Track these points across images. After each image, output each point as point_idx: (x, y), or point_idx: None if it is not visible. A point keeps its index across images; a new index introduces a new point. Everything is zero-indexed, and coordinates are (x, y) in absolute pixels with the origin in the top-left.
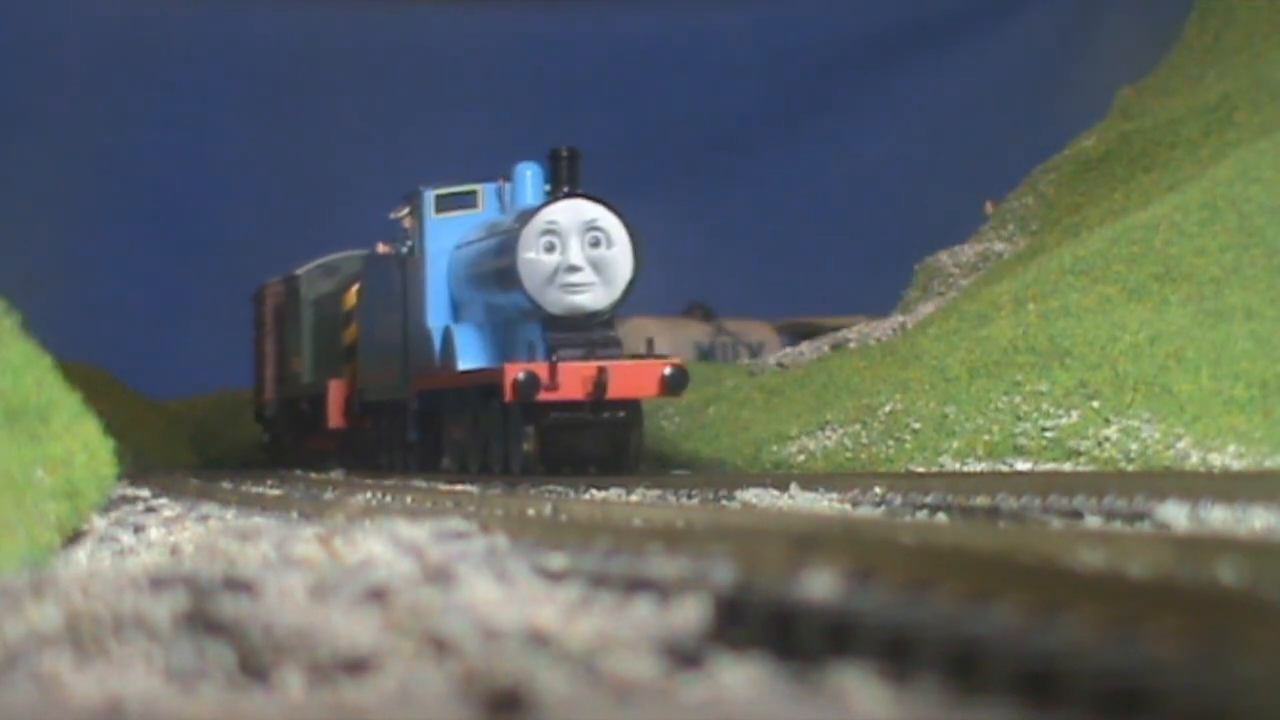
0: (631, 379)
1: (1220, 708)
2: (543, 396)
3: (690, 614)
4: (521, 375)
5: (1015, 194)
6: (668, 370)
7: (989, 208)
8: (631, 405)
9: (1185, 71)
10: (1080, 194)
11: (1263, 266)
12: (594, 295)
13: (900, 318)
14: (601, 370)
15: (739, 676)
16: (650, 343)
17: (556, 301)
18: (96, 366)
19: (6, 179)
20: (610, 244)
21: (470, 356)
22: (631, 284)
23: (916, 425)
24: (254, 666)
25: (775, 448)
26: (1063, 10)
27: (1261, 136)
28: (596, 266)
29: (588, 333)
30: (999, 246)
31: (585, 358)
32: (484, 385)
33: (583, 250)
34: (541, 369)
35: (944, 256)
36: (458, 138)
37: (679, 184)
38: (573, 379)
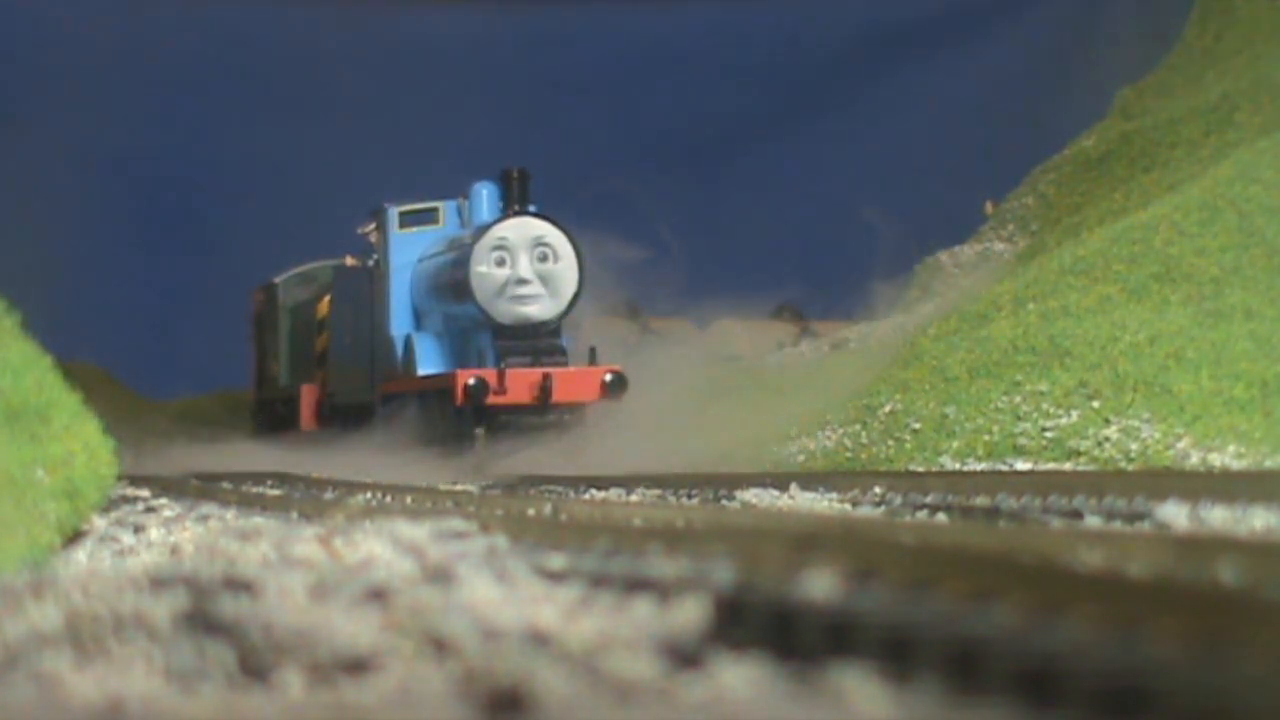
0: (574, 384)
1: (1220, 708)
2: (491, 400)
3: (690, 614)
4: (472, 381)
5: (1015, 194)
6: (608, 376)
7: (989, 208)
8: (576, 409)
9: (1185, 71)
10: (1080, 194)
11: (1263, 266)
12: (541, 306)
13: (900, 318)
14: (546, 376)
15: (739, 676)
16: (593, 351)
17: (506, 312)
18: (96, 366)
19: (5, 179)
20: (557, 258)
21: (429, 363)
22: (576, 296)
23: (916, 425)
24: (254, 666)
25: (775, 448)
26: (1063, 10)
27: (1261, 136)
28: (544, 280)
29: (534, 341)
30: (999, 246)
31: (531, 364)
32: (440, 389)
33: (531, 264)
34: (490, 375)
35: (944, 256)
36: (459, 137)
37: (676, 183)
38: (519, 384)
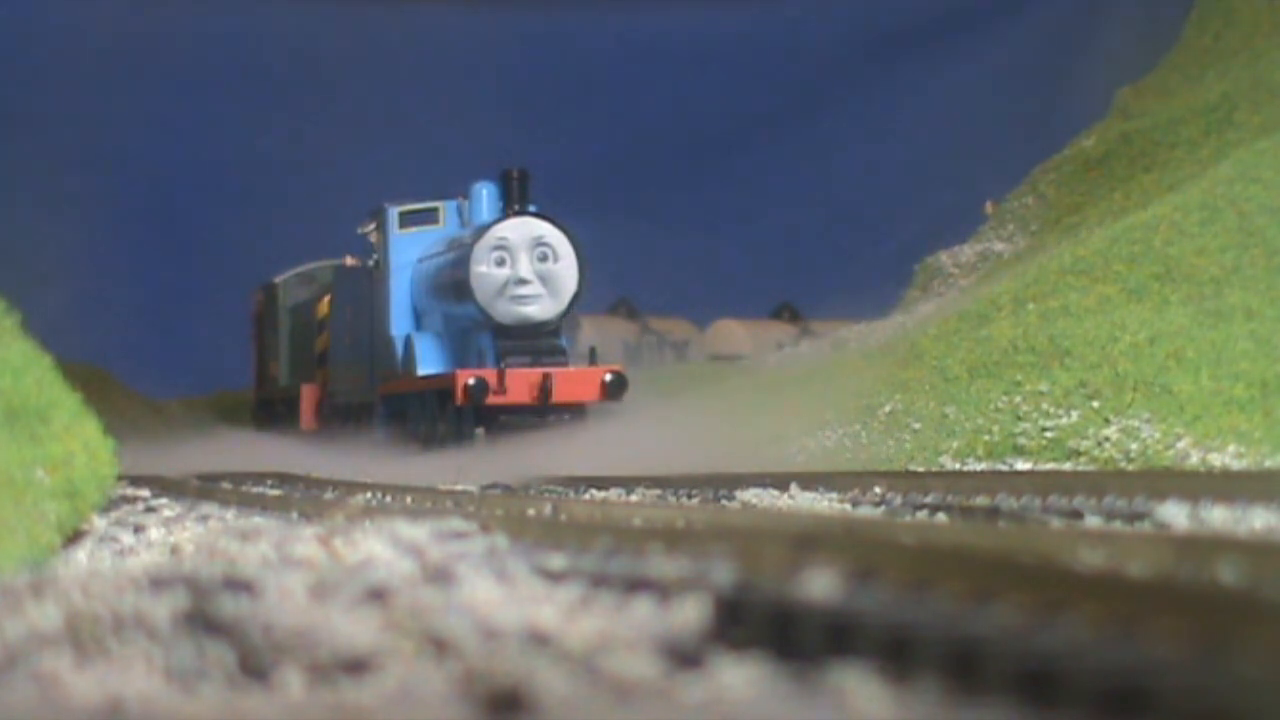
0: (575, 384)
1: (1220, 708)
2: (492, 400)
3: (690, 614)
4: (471, 381)
5: (1015, 194)
6: (608, 376)
7: (989, 208)
8: (576, 409)
9: (1185, 71)
10: (1080, 194)
11: (1263, 266)
12: (541, 306)
13: (900, 318)
14: (546, 376)
15: (739, 676)
16: (593, 351)
17: (506, 312)
18: (96, 366)
19: (6, 179)
20: (557, 258)
21: (430, 363)
22: (577, 296)
23: (916, 425)
24: (254, 666)
25: (775, 448)
26: (1063, 10)
27: (1261, 136)
28: (544, 280)
29: (535, 341)
30: (999, 246)
31: (532, 364)
32: (440, 389)
33: (531, 264)
34: (490, 375)
35: (944, 256)
36: (458, 137)
37: (674, 184)
38: (519, 384)
